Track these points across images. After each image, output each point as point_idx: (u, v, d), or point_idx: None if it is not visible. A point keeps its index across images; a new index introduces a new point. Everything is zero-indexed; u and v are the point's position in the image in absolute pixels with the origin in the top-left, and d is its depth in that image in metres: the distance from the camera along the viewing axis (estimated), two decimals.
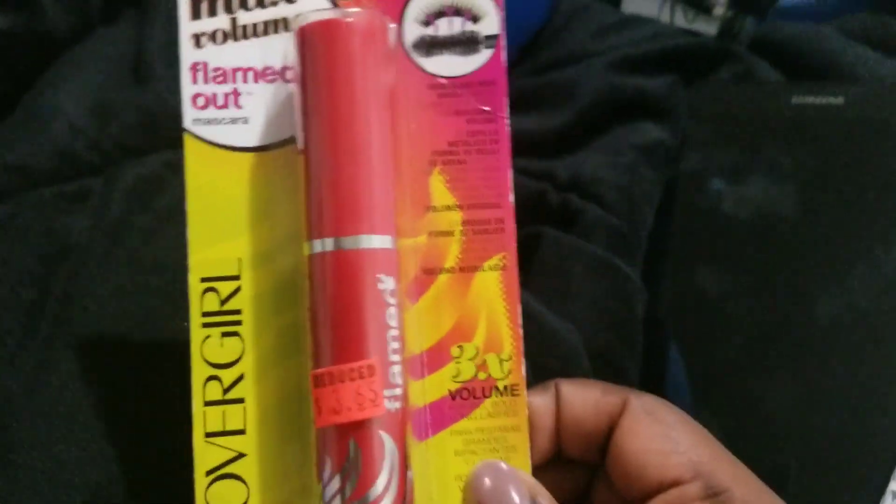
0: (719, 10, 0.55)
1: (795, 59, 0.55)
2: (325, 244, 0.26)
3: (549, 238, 0.45)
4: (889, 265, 0.43)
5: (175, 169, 0.42)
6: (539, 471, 0.28)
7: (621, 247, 0.46)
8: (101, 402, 0.34)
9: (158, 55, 0.45)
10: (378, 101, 0.27)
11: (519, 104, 0.53)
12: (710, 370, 0.43)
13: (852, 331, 0.42)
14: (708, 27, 0.56)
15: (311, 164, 0.27)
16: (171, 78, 0.44)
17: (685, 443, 0.27)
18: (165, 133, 0.43)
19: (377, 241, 0.26)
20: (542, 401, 0.29)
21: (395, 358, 0.26)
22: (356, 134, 0.26)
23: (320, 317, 0.26)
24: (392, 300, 0.26)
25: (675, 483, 0.26)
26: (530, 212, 0.48)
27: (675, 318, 0.45)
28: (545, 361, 0.40)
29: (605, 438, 0.28)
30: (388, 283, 0.26)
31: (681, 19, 0.57)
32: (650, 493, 0.27)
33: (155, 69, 0.44)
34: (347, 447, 0.25)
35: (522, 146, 0.51)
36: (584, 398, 0.29)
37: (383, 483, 0.25)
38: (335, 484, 0.25)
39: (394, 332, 0.26)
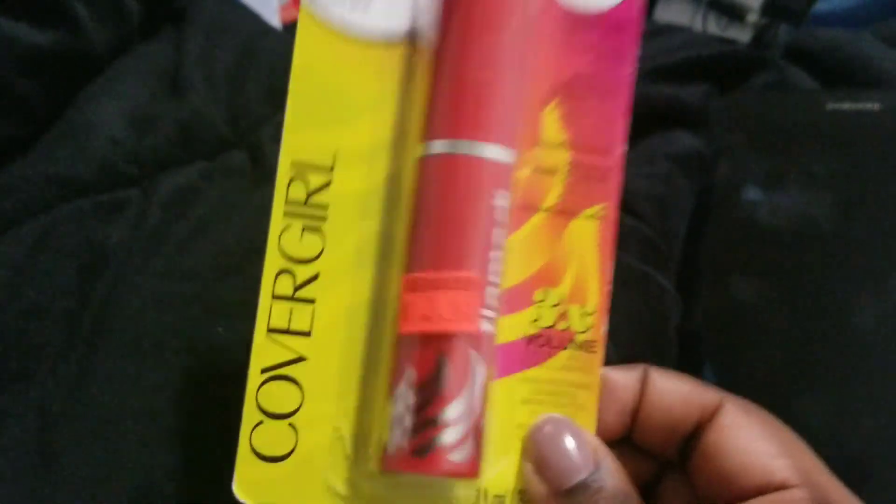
0: (753, 18, 0.55)
1: (830, 65, 0.54)
2: (444, 146, 0.25)
3: None
4: None
5: (210, 179, 0.43)
6: None
7: (655, 257, 0.46)
8: (139, 408, 0.35)
9: (196, 69, 0.46)
10: (522, 13, 0.26)
11: None
12: (747, 381, 0.43)
13: (890, 340, 0.42)
14: (741, 35, 0.56)
15: (440, 59, 0.25)
16: (207, 91, 0.45)
17: (790, 448, 0.26)
18: (201, 145, 0.44)
19: (501, 154, 0.25)
20: (625, 378, 0.28)
21: (495, 280, 0.25)
22: (497, 40, 0.25)
23: (425, 221, 0.25)
24: (503, 219, 0.25)
25: (780, 486, 0.25)
26: None
27: (709, 328, 0.44)
28: None
29: (690, 433, 0.27)
30: (502, 201, 0.25)
31: (714, 27, 0.57)
32: (748, 494, 0.25)
33: (192, 83, 0.45)
34: (434, 360, 0.24)
35: None
36: (676, 387, 0.27)
37: (462, 405, 0.24)
38: (413, 395, 0.24)
39: (498, 253, 0.25)
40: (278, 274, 0.26)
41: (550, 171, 0.27)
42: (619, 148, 0.28)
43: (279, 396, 0.26)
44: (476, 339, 0.24)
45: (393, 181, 0.27)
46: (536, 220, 0.27)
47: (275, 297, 0.26)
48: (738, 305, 0.45)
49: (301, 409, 0.26)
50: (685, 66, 0.52)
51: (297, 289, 0.26)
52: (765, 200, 0.47)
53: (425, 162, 0.25)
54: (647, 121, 0.51)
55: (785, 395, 0.42)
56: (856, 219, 0.46)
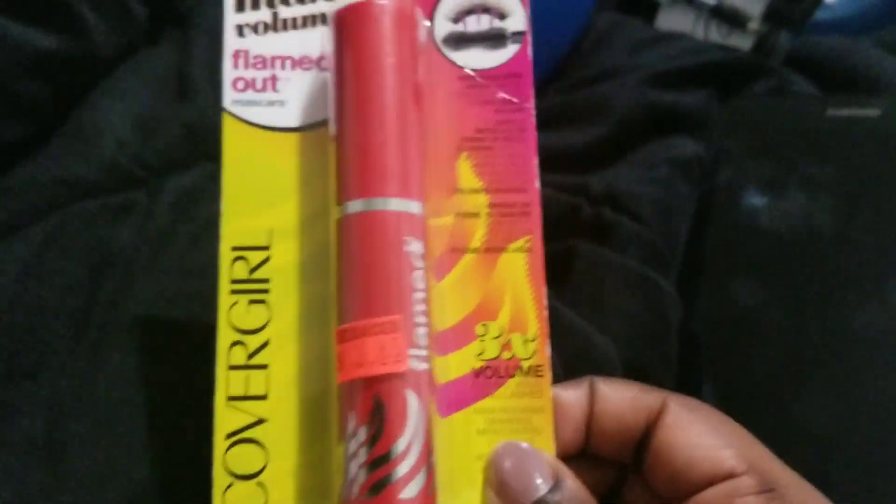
0: (754, 25, 0.56)
1: (831, 72, 0.55)
2: (355, 206, 0.27)
3: (583, 252, 0.46)
4: None
5: (215, 180, 0.44)
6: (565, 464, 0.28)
7: (656, 260, 0.46)
8: (146, 403, 0.35)
9: (201, 72, 0.47)
10: (407, 77, 0.28)
11: (554, 120, 0.54)
12: (747, 384, 0.44)
13: (890, 343, 0.42)
14: (743, 42, 0.57)
15: (342, 133, 0.28)
16: (212, 93, 0.46)
17: (734, 438, 0.27)
18: (207, 146, 0.45)
19: (405, 205, 0.27)
20: (574, 394, 0.29)
21: (421, 319, 0.26)
22: (386, 105, 0.28)
23: (347, 276, 0.27)
24: (419, 263, 0.27)
25: (728, 475, 0.26)
26: (565, 226, 0.49)
27: (710, 331, 0.45)
28: (580, 371, 0.41)
29: (641, 436, 0.28)
30: (414, 246, 0.27)
31: (715, 35, 0.58)
32: (699, 486, 0.26)
33: (197, 85, 0.46)
34: (372, 401, 0.25)
35: (557, 161, 0.52)
36: (621, 395, 0.29)
37: (406, 441, 0.25)
38: (359, 439, 0.25)
39: (420, 295, 0.27)
40: (231, 346, 0.29)
41: (473, 215, 0.30)
42: (534, 183, 0.30)
43: (245, 458, 0.28)
44: (408, 378, 0.26)
45: (325, 248, 0.29)
46: (466, 260, 0.29)
47: (230, 367, 0.28)
48: (739, 308, 0.45)
49: (267, 468, 0.28)
50: (686, 72, 0.53)
51: (249, 357, 0.28)
52: (765, 205, 0.48)
53: (341, 222, 0.27)
54: (648, 126, 0.51)
55: (785, 399, 0.43)
56: (855, 223, 0.46)
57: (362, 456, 0.25)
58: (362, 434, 0.25)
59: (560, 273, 0.47)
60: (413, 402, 0.26)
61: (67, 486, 0.33)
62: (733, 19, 0.57)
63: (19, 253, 0.38)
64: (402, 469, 0.25)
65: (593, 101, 0.54)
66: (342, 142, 0.28)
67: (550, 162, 0.52)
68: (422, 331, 0.26)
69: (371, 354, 0.26)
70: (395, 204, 0.27)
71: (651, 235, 0.47)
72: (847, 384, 0.42)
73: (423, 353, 0.26)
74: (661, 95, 0.52)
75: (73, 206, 0.40)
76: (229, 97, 0.30)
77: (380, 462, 0.25)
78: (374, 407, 0.25)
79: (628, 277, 0.45)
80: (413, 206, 0.27)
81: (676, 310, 0.45)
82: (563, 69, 0.60)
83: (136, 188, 0.42)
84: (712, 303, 0.46)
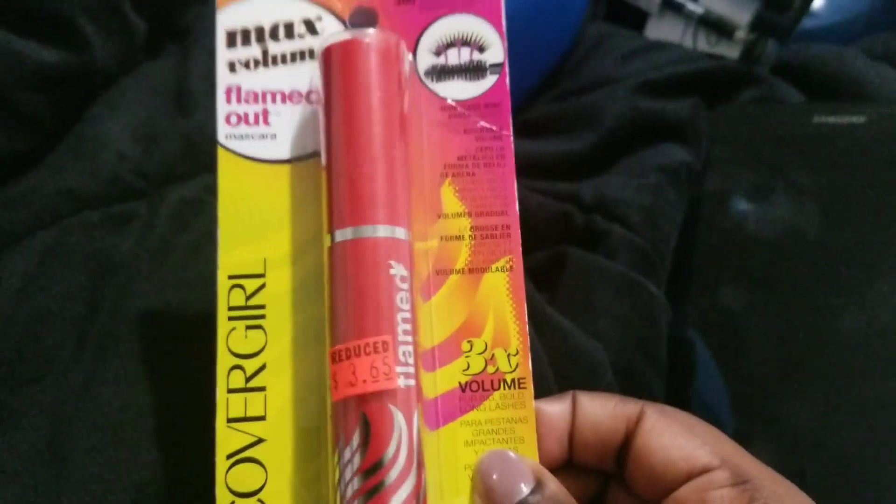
0: (741, 34, 0.57)
1: (818, 80, 0.56)
2: (344, 234, 0.29)
3: (574, 258, 0.47)
4: None
5: (214, 191, 0.45)
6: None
7: (645, 266, 0.47)
8: (147, 409, 0.36)
9: (200, 85, 0.47)
10: (393, 109, 0.30)
11: (545, 128, 0.55)
12: (735, 386, 0.45)
13: (872, 346, 0.43)
14: (731, 51, 0.58)
15: (332, 164, 0.30)
16: (211, 106, 0.47)
17: (708, 438, 0.29)
18: (206, 158, 0.45)
19: (390, 231, 0.29)
20: (557, 408, 0.31)
21: (407, 339, 0.28)
22: (373, 137, 0.29)
23: (338, 300, 0.28)
24: (403, 286, 0.28)
25: (703, 471, 0.27)
26: (556, 232, 0.50)
27: (699, 335, 0.46)
28: (571, 376, 0.42)
29: (621, 444, 0.30)
30: (399, 270, 0.28)
31: (703, 44, 0.59)
32: (677, 484, 0.28)
33: (196, 99, 0.47)
34: (361, 417, 0.27)
35: (548, 168, 0.53)
36: (602, 406, 0.30)
37: (392, 450, 0.27)
38: (348, 453, 0.27)
39: (405, 315, 0.28)
40: (230, 370, 0.30)
41: (457, 238, 0.31)
42: (513, 206, 0.31)
43: (245, 477, 0.29)
44: (394, 394, 0.27)
45: (317, 274, 0.30)
46: (452, 280, 0.31)
47: (229, 390, 0.30)
48: (727, 312, 0.46)
49: (266, 486, 0.29)
50: (675, 81, 0.54)
51: (248, 380, 0.30)
52: (753, 211, 0.49)
53: (331, 250, 0.29)
54: (637, 134, 0.52)
55: (772, 400, 0.44)
56: (841, 229, 0.47)
57: (353, 467, 0.27)
58: (351, 449, 0.27)
59: (552, 278, 0.48)
60: (398, 416, 0.27)
61: (70, 490, 0.34)
62: (721, 28, 0.58)
63: (22, 263, 0.39)
64: (392, 478, 0.27)
65: (584, 109, 0.55)
66: (331, 173, 0.30)
67: (543, 169, 0.53)
68: (407, 349, 0.28)
69: (363, 374, 0.27)
70: (382, 231, 0.29)
71: (641, 241, 0.47)
72: (832, 384, 0.43)
73: (409, 370, 0.28)
74: (650, 104, 0.53)
75: (74, 217, 0.41)
76: (223, 132, 0.31)
77: (369, 473, 0.27)
78: (362, 422, 0.27)
79: (618, 283, 0.46)
80: (399, 232, 0.29)
81: (666, 315, 0.46)
82: (555, 78, 0.61)
83: (137, 199, 0.43)
84: (701, 307, 0.47)
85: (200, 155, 0.45)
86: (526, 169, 0.52)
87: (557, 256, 0.48)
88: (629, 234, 0.48)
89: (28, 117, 0.43)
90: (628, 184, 0.50)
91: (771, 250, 0.47)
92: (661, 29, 0.61)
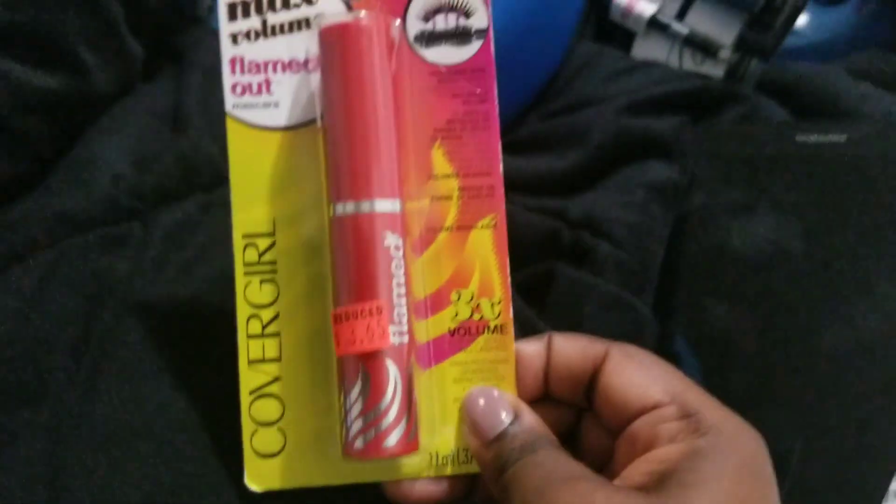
0: (725, 54, 0.58)
1: (801, 97, 0.57)
2: (344, 208, 0.32)
3: (562, 274, 0.48)
4: (891, 299, 0.45)
5: (208, 211, 0.45)
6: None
7: (632, 282, 0.48)
8: (141, 428, 0.37)
9: (194, 107, 0.48)
10: (384, 87, 0.33)
11: (534, 146, 0.56)
12: (721, 400, 0.45)
13: (856, 362, 0.44)
14: (715, 70, 0.59)
15: (330, 141, 0.33)
16: (205, 127, 0.47)
17: (661, 377, 0.32)
18: (200, 178, 0.46)
19: (385, 206, 0.32)
20: (534, 347, 0.35)
21: (400, 301, 0.32)
22: (366, 117, 0.32)
23: (339, 267, 0.33)
24: (397, 253, 0.32)
25: (655, 406, 0.31)
26: (544, 249, 0.51)
27: (690, 349, 0.46)
28: None
29: (590, 380, 0.34)
30: (393, 239, 0.32)
31: (689, 63, 0.60)
32: (633, 418, 0.32)
33: (192, 119, 0.48)
34: (360, 371, 0.32)
35: (537, 185, 0.54)
36: (573, 346, 0.34)
37: (388, 398, 0.32)
38: (352, 398, 0.32)
39: (398, 280, 0.32)
40: (248, 319, 0.34)
41: (446, 197, 0.35)
42: (497, 167, 0.35)
43: (266, 409, 0.34)
44: (389, 350, 0.32)
45: (321, 231, 0.34)
46: (442, 237, 0.35)
47: (249, 336, 0.34)
48: (712, 328, 0.47)
49: (284, 416, 0.34)
50: (660, 99, 0.55)
51: (264, 327, 0.34)
52: (737, 228, 0.49)
53: (333, 221, 0.33)
54: (623, 152, 0.53)
55: (755, 416, 0.44)
56: (823, 246, 0.48)
57: (356, 414, 0.32)
58: (353, 395, 0.32)
59: (540, 294, 0.48)
60: (392, 368, 0.32)
61: None
62: (705, 48, 0.59)
63: (20, 285, 0.40)
64: (388, 422, 0.31)
65: (572, 127, 0.56)
66: (332, 147, 0.33)
67: (531, 186, 0.54)
68: (401, 310, 0.32)
69: (360, 334, 0.31)
70: (378, 205, 0.32)
71: (627, 258, 0.48)
72: (814, 400, 0.44)
73: (402, 328, 0.32)
74: (636, 122, 0.54)
75: (71, 239, 0.42)
76: (230, 101, 0.34)
77: (369, 417, 0.32)
78: (363, 375, 0.32)
79: (606, 300, 0.47)
80: (393, 205, 0.33)
81: (652, 331, 0.47)
82: (544, 97, 0.61)
83: (132, 220, 0.44)
84: (686, 323, 0.47)
85: (195, 175, 0.46)
86: (515, 185, 0.53)
87: (546, 273, 0.49)
88: (616, 250, 0.48)
89: (27, 142, 0.44)
90: (615, 201, 0.51)
91: (755, 267, 0.48)
92: (648, 48, 0.62)
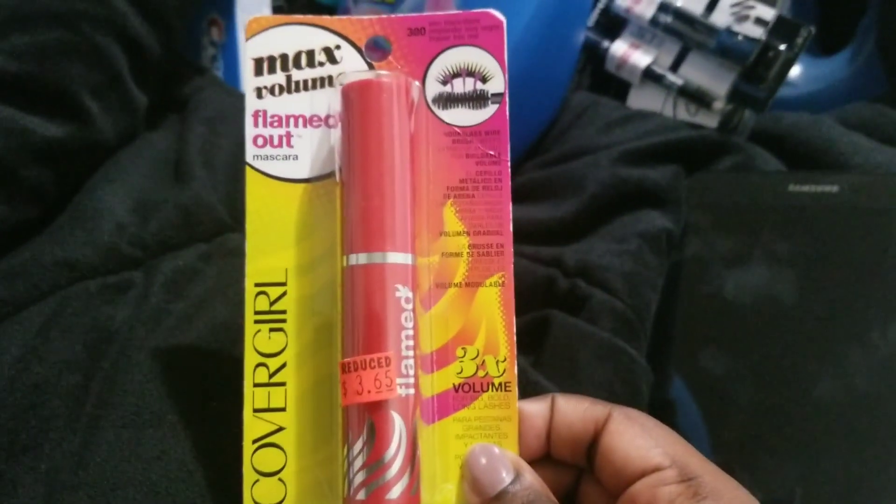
0: (719, 105, 0.59)
1: (794, 147, 0.58)
2: (357, 259, 0.33)
3: (557, 322, 0.49)
4: (885, 348, 0.46)
5: (209, 260, 0.46)
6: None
7: (627, 330, 0.49)
8: (139, 477, 0.37)
9: (196, 157, 0.49)
10: (402, 145, 0.34)
11: (530, 195, 0.56)
12: (717, 448, 0.45)
13: (848, 411, 0.44)
14: (709, 120, 0.60)
15: (347, 194, 0.34)
16: (207, 178, 0.48)
17: (662, 440, 0.32)
18: (201, 228, 0.47)
19: (398, 258, 0.33)
20: (537, 407, 0.35)
21: (409, 353, 0.33)
22: (384, 172, 0.33)
23: (350, 317, 0.33)
24: (408, 306, 0.33)
25: (655, 469, 0.31)
26: (540, 296, 0.52)
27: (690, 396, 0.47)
28: None
29: (591, 441, 0.34)
30: (404, 292, 0.33)
31: (683, 113, 0.61)
32: (633, 480, 0.32)
33: (193, 170, 0.49)
34: (367, 421, 0.32)
35: (533, 234, 0.55)
36: (575, 407, 0.34)
37: (393, 450, 0.32)
38: (356, 449, 0.32)
39: (408, 332, 0.33)
40: (256, 367, 0.34)
41: (456, 254, 0.35)
42: (508, 227, 0.35)
43: (268, 459, 0.34)
44: (396, 402, 0.32)
45: (332, 283, 0.35)
46: (450, 293, 0.35)
47: (255, 384, 0.34)
48: (706, 376, 0.47)
49: (286, 467, 0.34)
50: (656, 149, 0.56)
51: (271, 376, 0.34)
52: (730, 277, 0.50)
53: (346, 271, 0.33)
54: (619, 201, 0.54)
55: (750, 463, 0.44)
56: (816, 295, 0.48)
57: (359, 462, 0.32)
58: (358, 447, 0.32)
59: (536, 342, 0.49)
60: (398, 420, 0.32)
61: None
62: (700, 99, 0.60)
63: (21, 333, 0.40)
64: (391, 474, 0.32)
65: (568, 177, 0.56)
66: (348, 200, 0.34)
67: (527, 234, 0.55)
68: (409, 362, 0.33)
69: (368, 384, 0.32)
70: (391, 258, 0.33)
71: (622, 307, 0.49)
72: (807, 448, 0.44)
73: (409, 380, 0.33)
74: (631, 171, 0.55)
75: (72, 287, 0.43)
76: (251, 153, 0.35)
77: (372, 469, 0.32)
78: (368, 426, 0.32)
79: (601, 348, 0.47)
80: (406, 258, 0.33)
81: (647, 379, 0.47)
82: (541, 146, 0.62)
83: (134, 269, 0.45)
84: (681, 371, 0.48)
85: (195, 225, 0.47)
86: (512, 234, 0.53)
87: (542, 320, 0.50)
88: (611, 298, 0.49)
89: (32, 190, 0.45)
90: (610, 249, 0.51)
91: (748, 315, 0.49)
92: (643, 99, 0.63)
